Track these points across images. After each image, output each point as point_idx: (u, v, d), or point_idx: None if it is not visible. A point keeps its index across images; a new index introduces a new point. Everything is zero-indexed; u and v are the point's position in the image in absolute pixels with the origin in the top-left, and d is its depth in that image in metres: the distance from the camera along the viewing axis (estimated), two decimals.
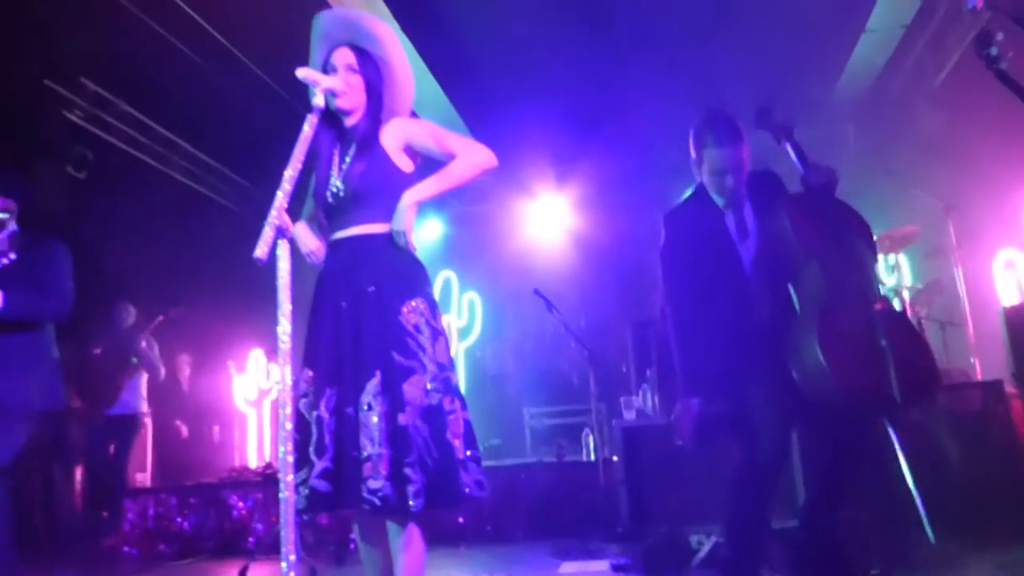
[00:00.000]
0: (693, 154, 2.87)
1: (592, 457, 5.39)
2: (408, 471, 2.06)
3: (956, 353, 5.94)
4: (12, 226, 3.30)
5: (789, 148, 2.85)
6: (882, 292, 2.73)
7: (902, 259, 6.45)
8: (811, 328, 2.57)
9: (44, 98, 5.70)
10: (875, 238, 2.89)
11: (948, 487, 3.63)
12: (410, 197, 2.25)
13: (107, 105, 6.18)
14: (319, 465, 2.10)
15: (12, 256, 3.12)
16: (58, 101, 5.82)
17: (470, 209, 8.55)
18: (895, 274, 6.37)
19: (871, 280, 2.70)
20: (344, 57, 2.33)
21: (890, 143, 6.99)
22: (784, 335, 2.67)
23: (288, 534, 1.84)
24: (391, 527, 2.16)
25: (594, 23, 5.91)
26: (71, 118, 5.94)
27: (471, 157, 2.31)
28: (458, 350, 8.21)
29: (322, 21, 2.39)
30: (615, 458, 4.96)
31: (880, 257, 7.09)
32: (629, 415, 5.12)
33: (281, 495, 1.87)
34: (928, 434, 4.05)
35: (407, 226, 2.23)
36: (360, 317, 2.19)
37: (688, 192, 2.95)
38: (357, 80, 2.34)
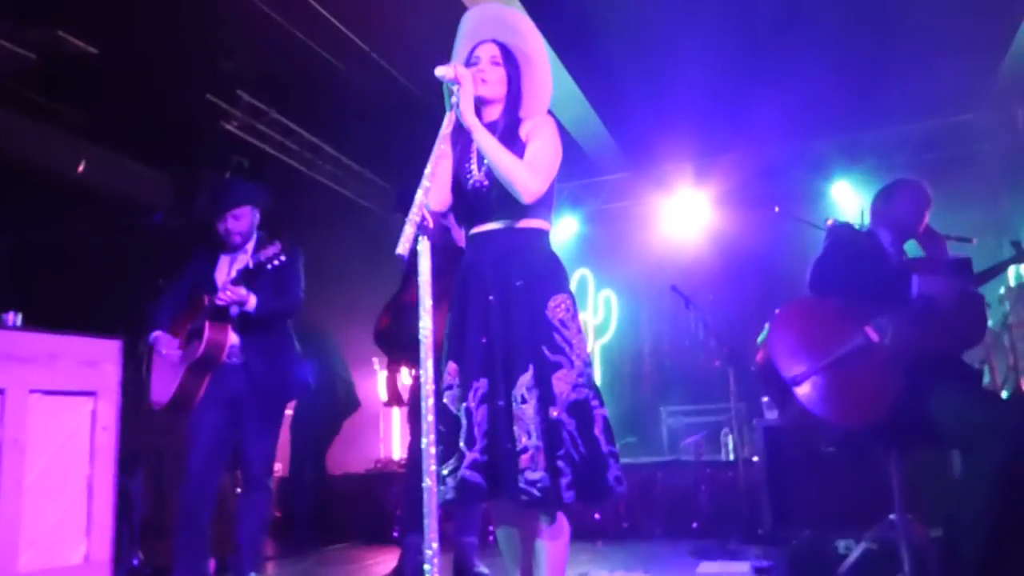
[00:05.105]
0: (880, 212, 3.16)
1: (732, 457, 5.24)
2: (560, 464, 2.08)
3: None
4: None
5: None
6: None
7: None
8: None
9: (206, 111, 6.13)
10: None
11: None
12: (469, 116, 2.20)
13: (260, 114, 6.57)
14: (469, 456, 2.13)
15: (283, 259, 3.40)
16: (217, 113, 6.25)
17: (607, 207, 8.50)
18: None
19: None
20: (488, 51, 2.37)
21: None
22: None
23: (432, 523, 1.89)
24: (541, 519, 2.19)
25: (737, 10, 5.73)
26: (229, 128, 6.36)
27: (525, 169, 2.23)
28: (594, 348, 8.19)
29: (470, 17, 2.44)
30: (755, 459, 4.80)
31: None
32: (771, 414, 4.93)
33: (424, 484, 1.92)
34: None
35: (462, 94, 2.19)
36: (509, 311, 2.21)
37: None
38: (500, 73, 2.37)
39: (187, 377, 3.46)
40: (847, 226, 3.19)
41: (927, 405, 2.70)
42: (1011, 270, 5.80)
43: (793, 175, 7.66)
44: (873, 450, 3.04)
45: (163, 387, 3.56)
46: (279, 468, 5.96)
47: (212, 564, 3.66)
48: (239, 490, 3.84)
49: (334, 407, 6.42)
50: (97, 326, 4.10)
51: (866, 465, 3.69)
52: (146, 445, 4.64)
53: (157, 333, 3.60)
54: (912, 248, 3.18)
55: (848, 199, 7.43)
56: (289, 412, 6.00)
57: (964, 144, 7.09)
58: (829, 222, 3.36)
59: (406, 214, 1.95)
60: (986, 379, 4.76)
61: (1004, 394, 4.88)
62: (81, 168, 5.85)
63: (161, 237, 5.53)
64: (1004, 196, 6.60)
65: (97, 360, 3.98)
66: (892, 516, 2.94)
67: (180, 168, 6.22)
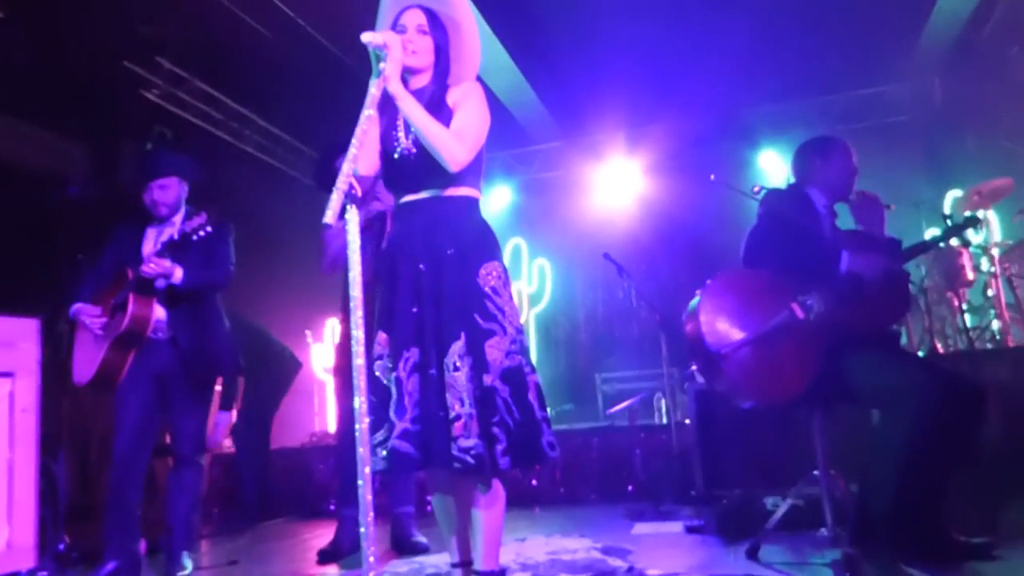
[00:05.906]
0: (813, 170, 3.12)
1: (664, 421, 5.36)
2: (495, 430, 2.09)
3: None
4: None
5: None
6: None
7: (992, 215, 6.13)
8: None
9: (123, 79, 5.88)
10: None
11: None
12: (395, 84, 2.16)
13: (182, 83, 6.34)
14: (399, 426, 2.12)
15: (209, 229, 3.31)
16: (136, 81, 6.00)
17: (539, 176, 8.52)
18: (983, 231, 6.07)
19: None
20: (414, 18, 2.32)
21: (978, 95, 6.64)
22: None
23: (366, 490, 1.86)
24: (477, 486, 2.20)
25: None
26: (149, 97, 6.12)
27: (452, 138, 2.20)
28: (529, 316, 8.23)
29: None
30: (687, 421, 4.92)
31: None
32: (702, 379, 5.05)
33: (358, 448, 1.87)
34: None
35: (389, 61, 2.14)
36: (440, 280, 2.20)
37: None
38: (427, 42, 2.32)
39: (110, 353, 3.35)
40: (779, 193, 3.18)
41: (847, 369, 2.78)
42: (928, 233, 6.04)
43: (722, 144, 7.79)
44: (796, 411, 3.14)
45: (85, 364, 3.44)
46: (228, 444, 5.85)
47: (143, 545, 3.58)
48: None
49: (280, 375, 6.32)
50: (13, 305, 3.93)
51: (792, 424, 3.82)
52: (70, 425, 4.49)
53: (78, 305, 3.46)
54: (843, 213, 3.19)
55: (775, 167, 7.62)
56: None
57: (883, 114, 7.33)
58: (756, 189, 3.40)
59: (328, 189, 1.91)
60: (903, 340, 4.94)
61: (920, 354, 5.09)
62: None
63: (78, 211, 5.30)
64: (920, 165, 6.84)
65: (14, 340, 3.83)
66: (816, 472, 3.05)
67: (98, 139, 5.96)
